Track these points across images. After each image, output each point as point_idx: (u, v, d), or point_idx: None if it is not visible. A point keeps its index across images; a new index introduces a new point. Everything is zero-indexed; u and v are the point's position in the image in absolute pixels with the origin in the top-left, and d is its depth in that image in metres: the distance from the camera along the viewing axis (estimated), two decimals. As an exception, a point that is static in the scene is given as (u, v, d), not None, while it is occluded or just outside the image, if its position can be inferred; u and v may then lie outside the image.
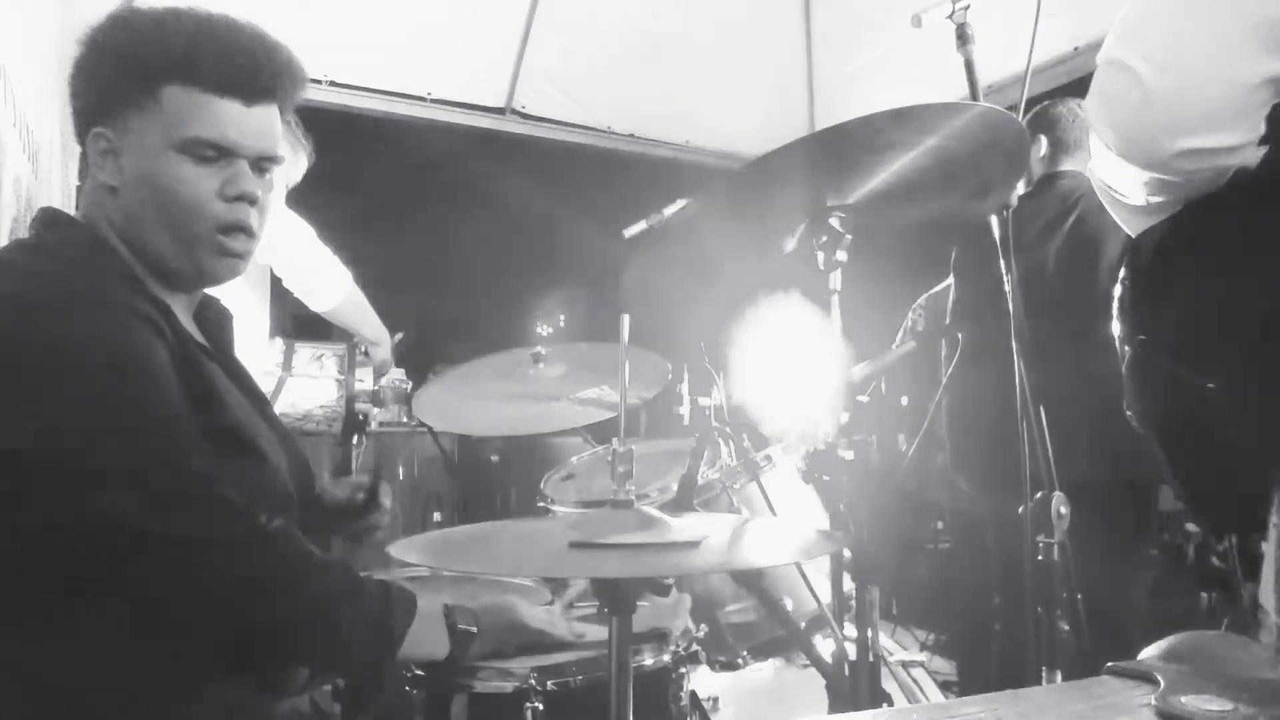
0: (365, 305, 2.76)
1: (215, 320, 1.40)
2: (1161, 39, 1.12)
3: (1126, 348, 1.29)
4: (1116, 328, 1.34)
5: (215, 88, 1.20)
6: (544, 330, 2.20)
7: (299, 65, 1.29)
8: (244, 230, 1.25)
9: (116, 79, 1.22)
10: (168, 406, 1.12)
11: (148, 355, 1.13)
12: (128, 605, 1.08)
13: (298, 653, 1.21)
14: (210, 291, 1.39)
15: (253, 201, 1.24)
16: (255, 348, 2.54)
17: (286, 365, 2.70)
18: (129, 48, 1.22)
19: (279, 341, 2.72)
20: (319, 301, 2.68)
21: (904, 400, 3.83)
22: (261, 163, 1.26)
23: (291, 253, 2.56)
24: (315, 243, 2.61)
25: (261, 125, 1.25)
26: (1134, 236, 1.29)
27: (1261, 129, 1.11)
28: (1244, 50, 1.07)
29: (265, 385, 2.71)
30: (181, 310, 1.28)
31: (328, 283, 2.64)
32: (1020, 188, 1.44)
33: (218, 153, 1.21)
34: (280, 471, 1.28)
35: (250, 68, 1.23)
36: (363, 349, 2.75)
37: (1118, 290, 1.34)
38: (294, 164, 2.68)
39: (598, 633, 1.44)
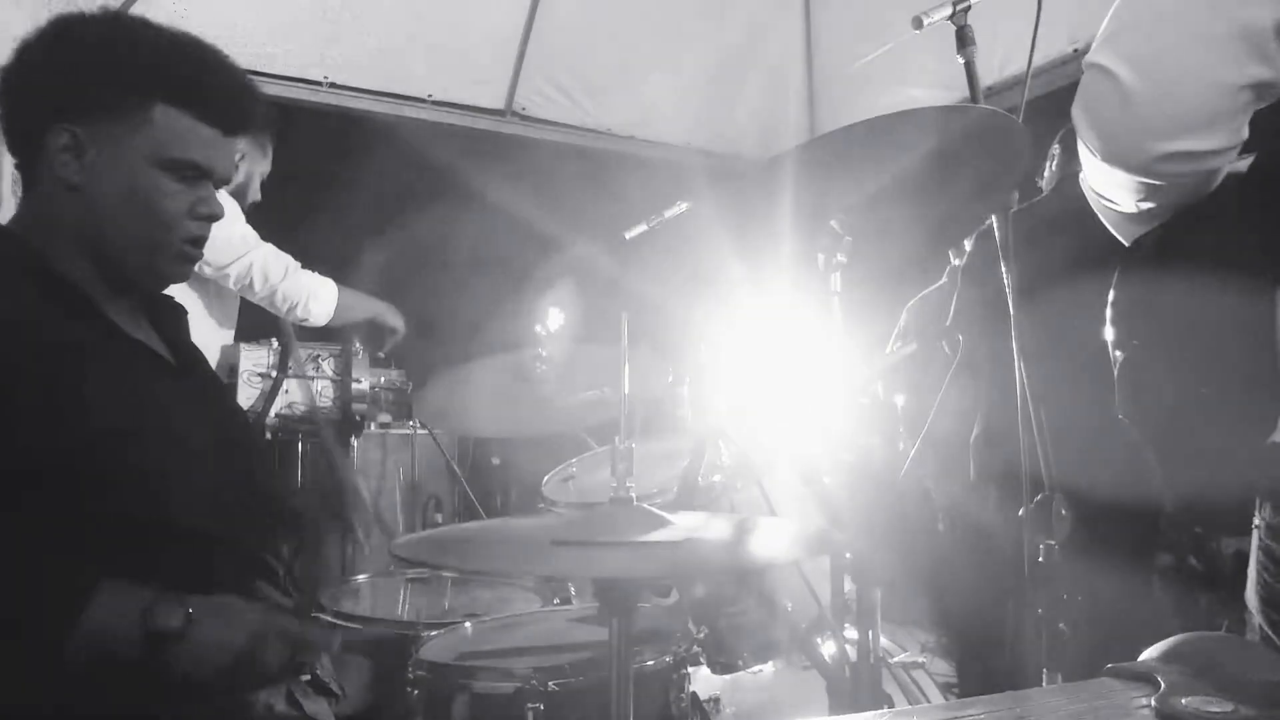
0: (357, 298, 2.79)
1: (168, 315, 1.42)
2: (1142, 43, 1.12)
3: (1120, 353, 1.29)
4: (1110, 333, 1.34)
5: (205, 115, 1.29)
6: (543, 331, 2.20)
7: (266, 104, 1.43)
8: (201, 244, 1.33)
9: (104, 82, 1.23)
10: None
11: None
12: None
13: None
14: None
15: (214, 220, 1.33)
16: (213, 355, 2.59)
17: (283, 367, 2.72)
18: (127, 56, 1.25)
19: (275, 344, 2.74)
20: (315, 320, 2.72)
21: (900, 402, 3.82)
22: (220, 184, 1.35)
23: (274, 289, 2.61)
24: (298, 272, 2.65)
25: (230, 153, 1.36)
26: (1127, 244, 1.29)
27: (1244, 133, 1.10)
28: (1224, 54, 1.06)
29: (264, 387, 2.74)
30: (129, 309, 1.32)
31: (318, 303, 2.68)
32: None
33: (196, 174, 1.29)
34: (179, 478, 1.21)
35: (237, 104, 1.33)
36: (360, 351, 2.77)
37: (1111, 295, 1.34)
38: (262, 161, 2.70)
39: (591, 634, 1.44)
